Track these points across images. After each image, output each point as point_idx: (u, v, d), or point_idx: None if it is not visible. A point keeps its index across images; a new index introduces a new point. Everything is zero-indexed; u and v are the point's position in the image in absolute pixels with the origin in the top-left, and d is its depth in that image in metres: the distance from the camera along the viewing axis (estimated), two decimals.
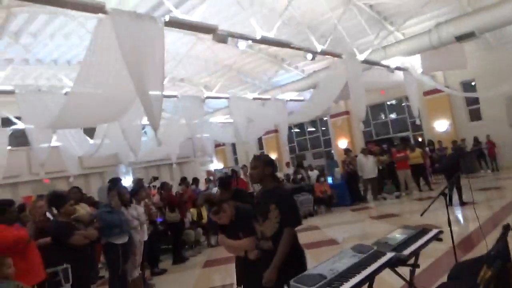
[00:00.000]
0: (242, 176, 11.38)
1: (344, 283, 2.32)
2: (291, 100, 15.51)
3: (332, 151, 18.99)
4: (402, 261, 2.90)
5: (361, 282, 2.40)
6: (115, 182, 5.42)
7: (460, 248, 4.89)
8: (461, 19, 11.17)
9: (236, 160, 23.99)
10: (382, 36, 11.81)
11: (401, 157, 11.88)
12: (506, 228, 3.12)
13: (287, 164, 15.90)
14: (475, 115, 16.47)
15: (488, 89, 14.84)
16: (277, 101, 14.45)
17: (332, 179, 12.15)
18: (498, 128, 15.15)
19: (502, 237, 2.98)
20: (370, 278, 2.53)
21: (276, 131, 19.89)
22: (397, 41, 12.59)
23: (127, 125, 8.70)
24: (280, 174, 11.81)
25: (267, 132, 19.55)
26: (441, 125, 16.66)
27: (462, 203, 8.67)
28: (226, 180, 4.52)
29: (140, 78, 5.07)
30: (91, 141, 11.15)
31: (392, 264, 2.86)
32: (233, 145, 23.57)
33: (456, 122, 16.52)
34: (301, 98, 15.01)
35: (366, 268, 2.55)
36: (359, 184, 12.03)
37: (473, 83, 16.35)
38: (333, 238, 7.27)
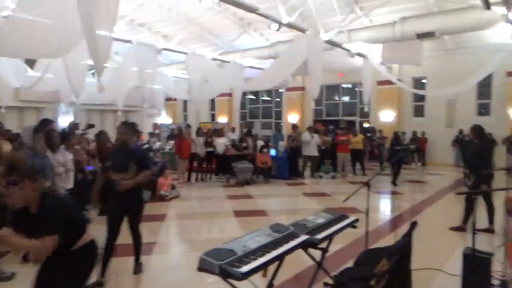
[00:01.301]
0: (186, 136, 11.19)
1: (252, 261, 2.38)
2: (250, 66, 15.33)
3: (282, 124, 19.21)
4: (314, 244, 3.05)
5: (270, 261, 2.49)
6: (45, 124, 5.08)
7: (374, 235, 5.23)
8: (425, 18, 11.50)
9: (185, 118, 23.58)
10: (350, 19, 11.84)
11: (344, 140, 12.32)
12: (413, 225, 3.37)
13: (233, 129, 15.83)
14: (419, 112, 17.38)
15: (435, 89, 15.65)
16: (236, 65, 14.18)
17: (276, 152, 12.35)
18: (437, 127, 16.17)
19: (408, 233, 3.22)
20: (280, 257, 2.63)
21: (230, 94, 19.72)
22: (363, 27, 12.74)
23: (71, 62, 8.15)
24: (222, 140, 11.77)
25: (221, 94, 19.28)
26: (387, 116, 17.42)
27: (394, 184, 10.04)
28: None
29: (89, 14, 4.65)
30: (30, 72, 10.34)
31: (304, 246, 2.99)
32: (185, 102, 23.08)
33: (401, 115, 17.34)
34: (261, 66, 14.88)
35: (277, 248, 2.64)
36: (300, 160, 12.37)
37: (423, 81, 17.11)
38: (263, 209, 7.48)
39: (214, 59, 13.69)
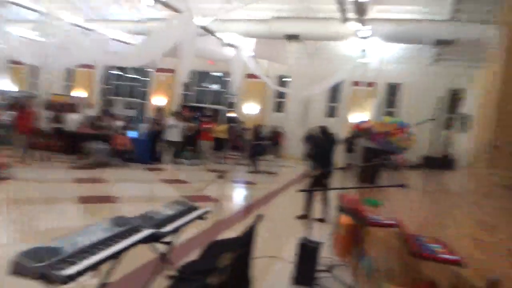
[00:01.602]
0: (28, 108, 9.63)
1: (81, 261, 2.11)
2: (116, 39, 14.16)
3: (147, 105, 18.39)
4: (158, 238, 2.90)
5: (104, 260, 2.25)
6: None
7: (225, 224, 5.37)
8: (294, 21, 12.32)
9: (35, 86, 20.51)
10: (227, 9, 11.86)
11: (207, 128, 12.41)
12: (258, 217, 3.52)
13: (90, 105, 14.39)
14: (279, 108, 18.71)
15: (296, 88, 17.03)
16: (100, 36, 12.92)
17: (138, 134, 11.71)
18: (292, 123, 17.67)
19: (252, 225, 3.34)
20: (117, 255, 2.40)
21: (92, 66, 17.89)
22: (238, 19, 12.94)
23: None
24: (75, 116, 10.58)
25: (82, 65, 17.37)
26: (252, 108, 18.26)
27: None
28: None
29: None
30: None
31: (148, 241, 2.82)
32: (36, 68, 20.01)
33: (264, 109, 18.38)
34: (128, 41, 13.86)
35: (115, 244, 2.41)
36: (162, 144, 12.00)
37: (286, 79, 18.44)
38: (115, 196, 6.96)
39: (75, 25, 12.19)
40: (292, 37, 12.57)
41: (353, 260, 4.30)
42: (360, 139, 8.94)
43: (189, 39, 10.23)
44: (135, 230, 2.72)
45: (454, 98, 15.28)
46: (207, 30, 11.75)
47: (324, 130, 6.45)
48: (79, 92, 19.64)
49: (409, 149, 12.70)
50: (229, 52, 13.79)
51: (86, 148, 9.67)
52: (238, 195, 8.76)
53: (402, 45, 14.99)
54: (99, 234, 2.46)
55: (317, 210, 5.96)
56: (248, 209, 6.28)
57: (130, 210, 5.98)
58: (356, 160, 9.02)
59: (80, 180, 8.04)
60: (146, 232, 2.75)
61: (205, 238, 4.73)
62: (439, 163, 11.85)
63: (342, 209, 3.42)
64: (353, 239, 4.36)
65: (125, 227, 2.68)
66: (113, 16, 14.83)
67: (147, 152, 11.29)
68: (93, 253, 2.22)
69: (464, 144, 12.63)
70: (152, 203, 6.91)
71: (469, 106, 12.72)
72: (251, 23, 12.67)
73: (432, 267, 2.49)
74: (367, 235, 3.77)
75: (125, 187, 8.14)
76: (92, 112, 13.14)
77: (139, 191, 7.94)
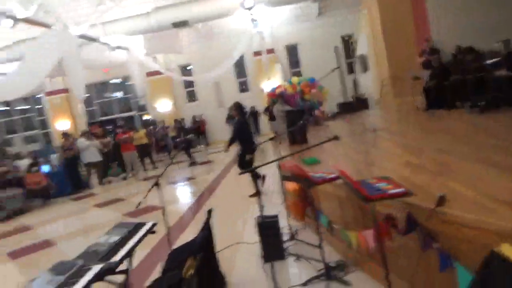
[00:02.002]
0: None
1: None
2: None
3: (50, 134, 16.79)
4: (112, 271, 2.64)
5: None
6: None
7: (177, 229, 5.16)
8: (177, 7, 11.88)
9: None
10: (101, 11, 11.03)
11: (125, 138, 11.72)
12: (209, 213, 3.40)
13: None
14: (192, 97, 18.33)
15: (201, 73, 16.74)
16: None
17: (50, 167, 10.66)
18: (210, 108, 17.47)
19: (206, 223, 3.21)
20: None
21: None
22: (117, 19, 12.14)
23: None
24: None
25: None
26: (164, 105, 17.63)
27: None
28: None
29: None
30: None
31: (99, 278, 2.55)
32: None
33: (176, 102, 17.86)
34: (2, 71, 12.34)
35: None
36: (81, 169, 11.10)
37: (189, 67, 18.02)
38: (48, 239, 6.29)
39: None
40: (181, 24, 12.18)
41: (312, 220, 4.40)
42: (276, 105, 9.10)
43: (71, 52, 9.41)
44: (81, 272, 2.43)
45: (349, 44, 16.24)
46: (88, 38, 10.88)
47: (239, 108, 6.41)
48: None
49: (324, 102, 13.34)
50: (120, 55, 13.00)
51: None
52: (182, 195, 8.48)
53: (288, 7, 15.42)
54: None
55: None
56: (195, 206, 6.12)
57: (72, 249, 5.48)
58: (279, 126, 9.19)
59: (1, 236, 7.12)
60: (95, 269, 2.47)
61: (162, 250, 4.49)
62: (354, 105, 12.62)
63: (286, 177, 3.42)
64: (304, 201, 4.45)
65: (69, 272, 2.38)
66: None
67: (67, 182, 10.36)
68: None
69: (368, 82, 13.56)
70: (95, 232, 6.38)
71: (363, 48, 13.60)
72: (133, 20, 12.00)
73: (384, 204, 2.60)
74: (317, 193, 3.86)
75: (56, 226, 7.39)
76: None
77: (74, 225, 7.26)
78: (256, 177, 6.02)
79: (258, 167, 2.79)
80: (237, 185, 8.08)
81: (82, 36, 10.24)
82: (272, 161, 3.34)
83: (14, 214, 8.63)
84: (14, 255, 5.76)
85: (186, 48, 14.85)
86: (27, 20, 8.55)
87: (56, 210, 8.79)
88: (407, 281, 2.67)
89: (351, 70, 16.53)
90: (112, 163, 11.61)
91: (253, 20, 12.28)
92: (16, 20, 8.18)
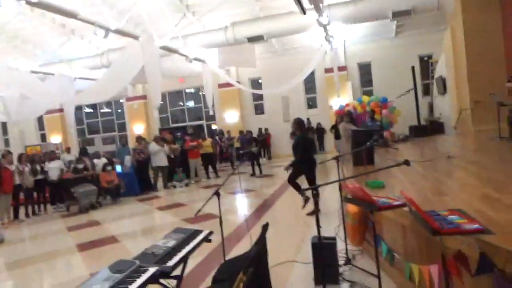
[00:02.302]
0: (6, 165, 9.13)
1: None
2: (80, 78, 13.83)
3: (126, 137, 18.02)
4: (166, 275, 2.70)
5: None
6: None
7: (232, 240, 5.17)
8: (253, 23, 12.22)
9: (6, 142, 19.94)
10: (183, 24, 11.68)
11: (193, 146, 12.19)
12: (265, 227, 3.35)
13: (67, 149, 13.83)
14: (259, 109, 18.60)
15: (270, 87, 16.94)
16: (63, 77, 12.61)
17: (122, 167, 11.41)
18: (276, 122, 17.56)
19: (261, 237, 3.16)
20: None
21: (61, 110, 17.49)
22: (197, 32, 12.78)
23: None
24: (55, 163, 10.18)
25: (50, 111, 16.95)
26: (231, 116, 18.09)
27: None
28: None
29: None
30: None
31: (155, 279, 2.62)
32: (3, 124, 19.46)
33: (243, 114, 18.23)
34: (93, 77, 13.54)
35: None
36: (149, 172, 11.72)
37: (259, 81, 18.36)
38: (114, 235, 6.69)
39: (34, 72, 11.85)
40: (256, 39, 12.46)
41: (370, 247, 4.16)
42: (342, 124, 8.84)
43: (153, 62, 10.03)
44: (138, 272, 2.52)
45: (426, 64, 15.42)
46: (169, 49, 11.55)
47: (299, 124, 6.40)
48: (54, 138, 19.15)
49: (395, 123, 12.75)
50: (196, 66, 13.62)
51: (74, 194, 9.31)
52: (239, 206, 8.55)
53: (364, 24, 15.10)
54: (98, 287, 2.25)
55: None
56: (251, 218, 6.13)
57: (133, 247, 5.76)
58: (343, 145, 8.92)
59: (74, 228, 7.73)
60: (151, 271, 2.54)
61: (215, 259, 4.53)
62: (428, 129, 11.86)
63: (348, 199, 3.27)
64: (364, 226, 4.22)
65: (127, 271, 2.47)
66: (70, 56, 14.48)
67: (136, 183, 10.99)
68: None
69: (445, 106, 12.72)
70: (154, 234, 6.67)
71: (442, 69, 12.82)
72: (212, 33, 12.52)
73: (455, 239, 2.36)
74: (378, 219, 3.65)
75: (122, 224, 7.85)
76: (71, 156, 12.77)
77: (137, 224, 7.66)
78: (304, 195, 6.04)
79: (319, 186, 2.70)
80: (294, 202, 7.96)
81: (164, 48, 10.91)
82: (334, 182, 3.22)
83: (86, 209, 9.31)
84: (82, 247, 6.19)
85: (257, 62, 15.14)
86: (118, 31, 9.31)
87: (124, 209, 9.34)
88: None
89: (426, 92, 15.63)
90: (178, 169, 12.10)
91: (327, 37, 12.17)
92: (108, 30, 8.94)
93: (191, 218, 7.12)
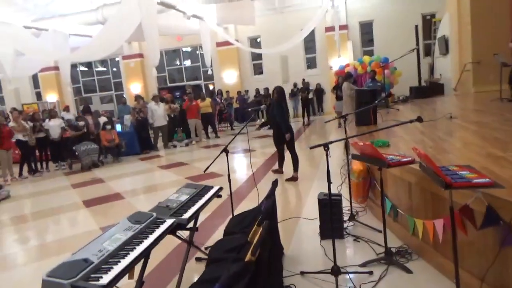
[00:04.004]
0: (11, 123, 9.11)
1: (114, 266, 2.00)
2: (75, 34, 13.45)
3: (124, 96, 17.82)
4: (182, 226, 2.80)
5: (135, 260, 2.14)
6: None
7: (237, 197, 5.30)
8: None
9: (1, 100, 19.69)
10: None
11: (193, 106, 12.13)
12: (274, 184, 3.44)
13: (66, 108, 13.68)
14: (258, 69, 18.34)
15: (269, 47, 16.59)
16: (57, 34, 12.26)
17: (122, 127, 11.40)
18: (275, 83, 17.26)
19: (271, 193, 3.26)
20: (147, 252, 2.29)
21: (56, 68, 17.14)
22: None
23: None
24: (56, 121, 10.14)
25: (45, 69, 16.62)
26: (230, 76, 17.85)
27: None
28: None
29: None
30: None
31: (172, 230, 2.72)
32: None
33: (242, 74, 17.98)
34: (88, 33, 13.17)
35: (142, 242, 2.30)
36: (150, 131, 11.74)
37: (258, 40, 17.96)
38: (118, 192, 6.82)
39: (27, 27, 11.48)
40: None
41: (373, 204, 4.30)
42: (345, 84, 8.79)
43: (151, 19, 9.74)
44: (156, 223, 2.61)
45: (429, 23, 15.09)
46: (167, 5, 11.18)
47: (280, 92, 6.19)
48: (50, 96, 18.91)
49: (396, 84, 12.68)
50: (194, 24, 13.25)
51: (76, 152, 9.36)
52: (242, 165, 8.63)
53: None
54: (122, 235, 2.34)
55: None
56: (254, 176, 6.25)
57: (139, 203, 5.90)
58: (344, 106, 8.93)
59: (78, 185, 7.85)
60: (168, 223, 2.64)
61: (223, 214, 4.67)
62: (428, 90, 11.83)
63: (356, 156, 3.34)
64: (369, 183, 4.34)
65: (146, 222, 2.56)
66: (63, 11, 13.98)
67: (137, 143, 11.04)
68: (123, 256, 2.11)
69: (447, 67, 12.61)
70: (159, 191, 6.80)
71: (445, 28, 12.58)
72: None
73: (463, 194, 2.45)
74: (384, 177, 3.74)
75: (125, 182, 7.97)
76: (70, 114, 12.71)
77: (140, 182, 7.78)
78: (282, 157, 6.55)
79: (331, 142, 2.74)
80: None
81: (162, 3, 10.56)
82: (342, 139, 3.27)
83: (88, 167, 9.40)
84: (88, 203, 6.32)
85: (257, 20, 14.73)
86: None
87: (126, 168, 9.43)
88: (477, 278, 2.53)
89: (427, 52, 15.43)
90: (178, 129, 12.11)
91: None
92: None
93: (195, 176, 7.25)
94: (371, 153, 2.91)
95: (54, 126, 9.87)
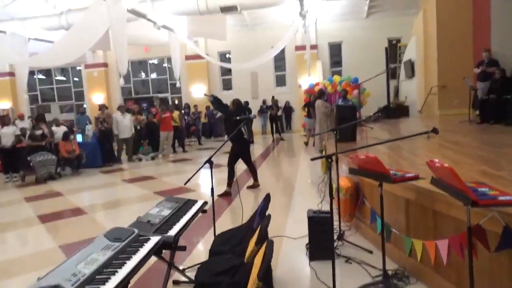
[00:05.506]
0: None
1: None
2: (36, 39, 12.68)
3: (85, 105, 16.96)
4: (169, 245, 2.45)
5: (119, 285, 1.77)
6: None
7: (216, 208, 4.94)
8: None
9: None
10: None
11: (167, 117, 11.63)
12: (267, 198, 3.17)
13: (20, 116, 12.65)
14: (227, 85, 18.15)
15: (239, 62, 16.50)
16: (15, 37, 11.50)
17: (83, 137, 10.70)
18: (245, 99, 17.17)
19: (264, 211, 2.98)
20: (131, 275, 1.92)
21: (11, 73, 16.08)
22: None
23: None
24: (9, 129, 9.31)
25: (0, 74, 15.56)
26: (198, 90, 17.50)
27: None
28: None
29: None
30: None
31: (159, 249, 2.36)
32: None
33: (211, 89, 17.69)
34: (49, 38, 12.45)
35: (125, 264, 1.93)
36: (113, 143, 11.10)
37: (228, 55, 17.84)
38: (78, 207, 6.23)
39: None
40: (229, 9, 11.95)
41: (360, 223, 4.11)
42: (318, 101, 8.77)
43: (120, 26, 9.31)
44: (140, 241, 2.24)
45: (395, 47, 15.66)
46: (137, 13, 10.79)
47: (237, 104, 6.65)
48: (3, 104, 17.61)
49: (364, 104, 12.90)
50: (163, 35, 12.89)
51: (31, 162, 8.59)
52: (217, 179, 8.18)
53: (337, 3, 15.00)
54: (100, 255, 1.96)
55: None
56: (231, 191, 5.94)
57: (104, 220, 5.38)
58: (320, 123, 8.87)
59: (32, 198, 7.14)
60: (154, 240, 2.27)
61: (199, 230, 4.31)
62: (395, 112, 12.12)
63: (354, 170, 3.14)
64: (357, 201, 4.16)
65: (127, 240, 2.19)
66: (24, 14, 13.18)
67: (99, 154, 10.36)
68: (102, 282, 1.74)
69: (412, 90, 13.03)
70: (125, 206, 6.30)
71: (411, 52, 13.06)
72: (182, 0, 11.85)
73: (476, 213, 2.29)
74: (374, 194, 3.56)
75: (85, 195, 7.35)
76: (25, 123, 11.78)
77: (102, 197, 7.19)
78: (232, 174, 6.34)
79: (332, 155, 2.53)
80: (268, 175, 7.85)
81: (132, 11, 10.15)
82: (352, 150, 3.07)
83: (44, 180, 8.66)
84: (44, 218, 5.70)
85: (228, 35, 14.62)
86: None
87: (86, 181, 8.76)
88: None
89: (393, 75, 15.95)
90: (144, 141, 11.56)
91: (302, 12, 11.91)
92: None
93: (166, 191, 6.79)
94: (374, 167, 2.72)
95: (7, 134, 9.04)
